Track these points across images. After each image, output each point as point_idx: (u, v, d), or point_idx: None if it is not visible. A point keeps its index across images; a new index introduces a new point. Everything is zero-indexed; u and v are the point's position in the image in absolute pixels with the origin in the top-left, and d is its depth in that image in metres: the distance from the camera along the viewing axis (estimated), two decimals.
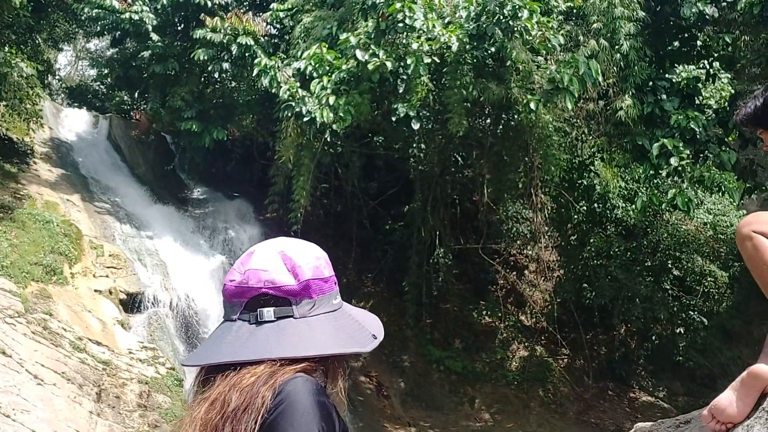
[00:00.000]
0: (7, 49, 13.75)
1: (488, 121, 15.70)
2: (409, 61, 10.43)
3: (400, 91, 11.30)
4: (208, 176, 18.73)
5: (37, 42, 19.49)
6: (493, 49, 10.81)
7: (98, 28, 17.93)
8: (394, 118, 11.55)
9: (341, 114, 10.91)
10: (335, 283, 1.66)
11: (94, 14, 16.83)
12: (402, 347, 17.62)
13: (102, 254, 13.40)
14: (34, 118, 14.87)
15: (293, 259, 1.56)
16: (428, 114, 13.51)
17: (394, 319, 17.98)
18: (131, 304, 12.86)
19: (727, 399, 2.04)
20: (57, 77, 27.39)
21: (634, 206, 14.04)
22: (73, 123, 19.08)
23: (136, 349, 11.45)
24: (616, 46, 11.12)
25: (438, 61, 11.03)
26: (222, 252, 16.29)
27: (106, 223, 14.80)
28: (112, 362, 10.65)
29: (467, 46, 10.74)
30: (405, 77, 10.99)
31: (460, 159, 17.52)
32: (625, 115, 10.96)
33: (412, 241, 17.21)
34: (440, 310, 18.23)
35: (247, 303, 1.53)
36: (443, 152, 16.13)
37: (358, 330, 1.58)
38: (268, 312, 1.51)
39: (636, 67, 11.08)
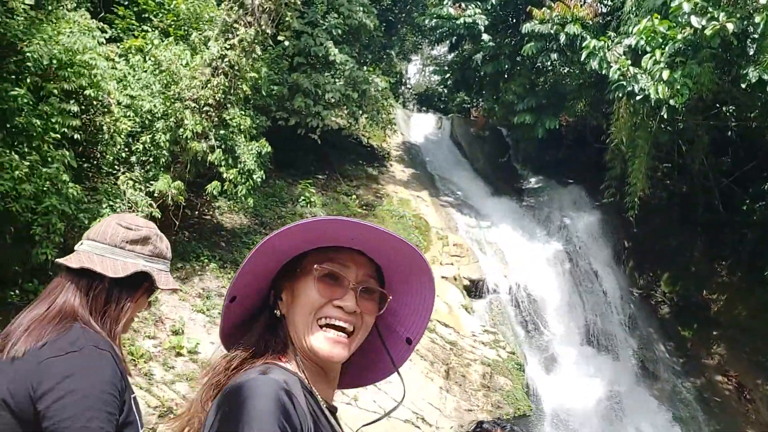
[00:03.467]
0: (365, 68, 15.95)
1: None
2: (758, 19, 9.10)
3: (750, 53, 9.94)
4: (541, 165, 18.98)
5: (390, 57, 22.07)
6: None
7: (437, 35, 19.57)
8: (744, 85, 10.20)
9: (678, 88, 10.06)
10: None
11: (434, 23, 18.46)
12: (767, 346, 15.36)
13: (447, 244, 14.68)
14: (389, 126, 16.95)
15: None
16: None
17: (756, 314, 15.75)
18: (473, 290, 13.82)
19: None
20: (408, 86, 30.59)
21: None
22: (421, 126, 21.18)
23: (479, 332, 12.29)
24: None
25: None
26: (558, 240, 16.37)
27: (450, 216, 16.13)
28: (458, 343, 11.63)
29: None
30: (755, 37, 9.63)
31: None
32: None
33: None
34: None
35: None
36: None
37: None
38: None
39: None
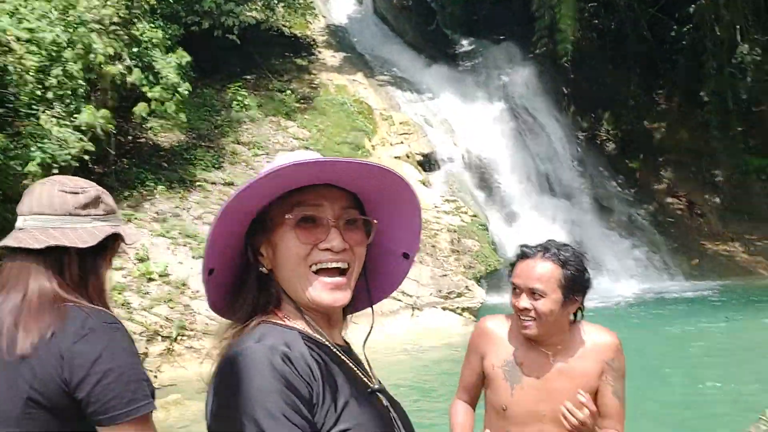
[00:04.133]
0: None
1: None
2: None
3: None
4: (470, 26, 18.59)
5: None
6: None
7: None
8: None
9: None
10: None
11: None
12: (711, 162, 16.11)
13: (393, 124, 14.54)
14: (308, 11, 16.16)
15: None
16: None
17: (697, 134, 16.40)
18: (427, 163, 13.88)
19: None
20: None
21: None
22: (341, 6, 20.24)
23: (440, 203, 12.48)
24: None
25: None
26: (499, 99, 16.38)
27: (390, 94, 15.87)
28: (423, 217, 11.81)
29: None
30: None
31: None
32: None
33: (706, 44, 15.15)
34: (753, 115, 16.06)
35: None
36: None
37: None
38: None
39: None
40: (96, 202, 1.77)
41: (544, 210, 14.21)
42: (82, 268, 1.72)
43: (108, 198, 1.83)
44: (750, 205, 15.51)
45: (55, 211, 1.72)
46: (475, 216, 12.29)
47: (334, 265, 1.16)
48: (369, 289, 1.28)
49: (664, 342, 8.88)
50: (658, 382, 7.05)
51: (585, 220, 14.69)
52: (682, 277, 14.01)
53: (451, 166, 14.05)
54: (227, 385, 1.06)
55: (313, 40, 17.68)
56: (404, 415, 1.22)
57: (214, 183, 11.29)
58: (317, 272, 1.16)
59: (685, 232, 15.14)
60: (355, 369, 1.18)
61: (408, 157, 13.73)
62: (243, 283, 1.22)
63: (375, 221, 1.22)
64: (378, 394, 1.18)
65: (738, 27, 15.00)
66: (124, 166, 10.65)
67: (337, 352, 1.17)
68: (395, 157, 13.69)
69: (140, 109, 9.99)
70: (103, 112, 9.39)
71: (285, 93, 14.67)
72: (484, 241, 11.75)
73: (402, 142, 14.15)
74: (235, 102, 13.40)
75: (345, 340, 1.28)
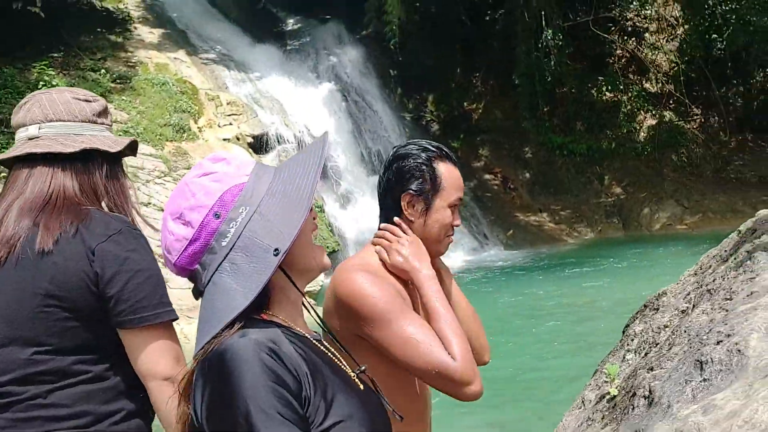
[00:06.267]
0: None
1: None
2: None
3: None
4: (298, 4, 18.41)
5: None
6: None
7: None
8: None
9: None
10: (234, 196, 1.15)
11: None
12: (522, 140, 17.55)
13: (220, 104, 14.05)
14: None
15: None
16: None
17: (509, 114, 17.73)
18: (259, 145, 13.63)
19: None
20: None
21: None
22: None
23: None
24: None
25: None
26: (329, 80, 16.46)
27: (216, 73, 15.29)
28: None
29: None
30: None
31: None
32: None
33: (517, 29, 16.34)
34: (557, 96, 17.69)
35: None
36: None
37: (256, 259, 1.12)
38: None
39: None
40: (106, 111, 1.75)
41: (375, 190, 14.61)
42: (109, 175, 1.70)
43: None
44: (555, 179, 17.16)
45: (75, 117, 1.67)
46: None
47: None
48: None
49: (490, 312, 9.54)
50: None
51: None
52: (501, 247, 15.21)
53: (284, 148, 13.93)
54: (217, 382, 1.05)
55: (128, 14, 16.48)
56: (379, 393, 1.27)
57: None
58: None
59: (501, 206, 16.42)
60: (335, 357, 1.22)
61: (238, 139, 13.39)
62: None
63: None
64: (357, 379, 1.22)
65: (543, 12, 16.32)
66: None
67: (316, 343, 1.20)
68: (224, 140, 13.30)
69: None
70: None
71: (99, 72, 13.58)
72: (320, 222, 11.86)
73: (231, 124, 13.76)
74: (42, 83, 12.14)
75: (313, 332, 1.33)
